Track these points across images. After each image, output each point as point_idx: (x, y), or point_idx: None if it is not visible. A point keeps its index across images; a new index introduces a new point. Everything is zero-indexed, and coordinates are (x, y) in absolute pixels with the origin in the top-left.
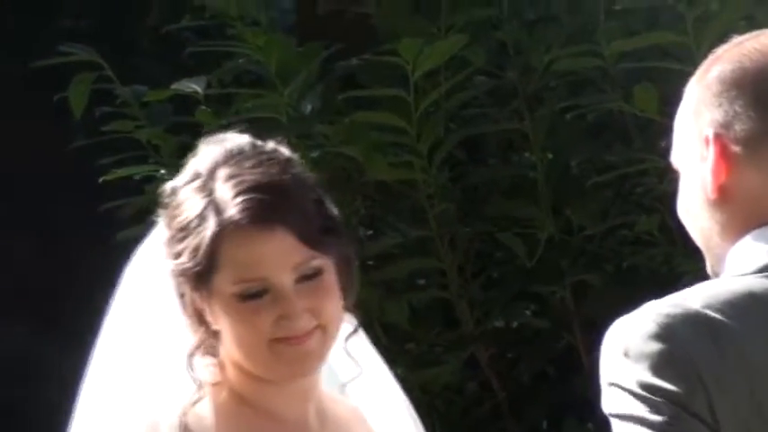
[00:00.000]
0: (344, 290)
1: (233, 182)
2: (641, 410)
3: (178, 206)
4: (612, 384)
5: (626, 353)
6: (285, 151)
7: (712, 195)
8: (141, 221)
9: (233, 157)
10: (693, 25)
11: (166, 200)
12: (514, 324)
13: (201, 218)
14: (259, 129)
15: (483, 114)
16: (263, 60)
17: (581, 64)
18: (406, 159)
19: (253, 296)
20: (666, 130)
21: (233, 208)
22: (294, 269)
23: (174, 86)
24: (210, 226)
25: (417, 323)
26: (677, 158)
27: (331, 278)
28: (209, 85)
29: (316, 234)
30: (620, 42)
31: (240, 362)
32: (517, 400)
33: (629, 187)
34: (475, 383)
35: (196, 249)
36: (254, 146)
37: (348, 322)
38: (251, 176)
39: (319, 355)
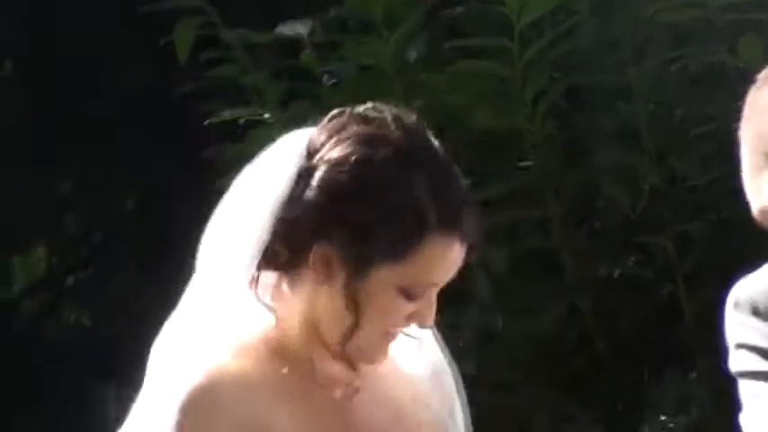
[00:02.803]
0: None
1: None
2: None
3: None
4: (742, 346)
5: (755, 311)
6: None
7: None
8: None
9: None
10: None
11: None
12: (616, 273)
13: None
14: (366, 76)
15: (587, 64)
16: (368, 6)
17: (685, 15)
18: (511, 108)
19: None
20: None
21: None
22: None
23: (278, 29)
24: None
25: (519, 272)
26: None
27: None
28: (312, 32)
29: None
30: None
31: None
32: (618, 350)
33: (732, 138)
34: (575, 333)
35: None
36: None
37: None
38: None
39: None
